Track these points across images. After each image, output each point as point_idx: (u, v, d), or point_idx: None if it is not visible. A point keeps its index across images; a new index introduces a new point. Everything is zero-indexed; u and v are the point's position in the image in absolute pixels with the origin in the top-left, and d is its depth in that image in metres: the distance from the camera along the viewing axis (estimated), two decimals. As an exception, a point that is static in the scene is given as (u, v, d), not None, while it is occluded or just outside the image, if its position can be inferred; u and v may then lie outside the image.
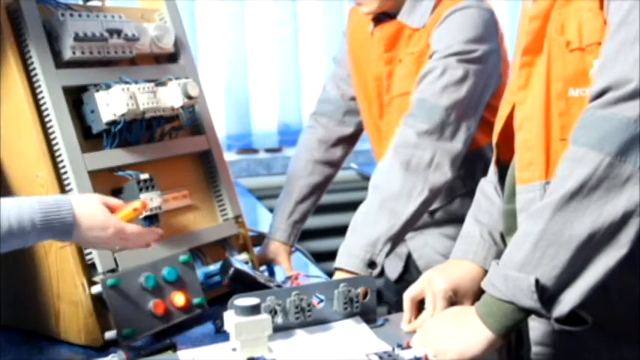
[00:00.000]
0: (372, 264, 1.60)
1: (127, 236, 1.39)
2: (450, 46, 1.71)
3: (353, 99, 2.06)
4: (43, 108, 1.52)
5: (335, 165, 2.10)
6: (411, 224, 1.68)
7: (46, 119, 1.52)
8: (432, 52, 1.74)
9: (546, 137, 1.25)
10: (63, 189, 1.51)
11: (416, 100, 1.72)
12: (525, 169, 1.28)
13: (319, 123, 2.09)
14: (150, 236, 1.45)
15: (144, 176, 1.58)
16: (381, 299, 1.88)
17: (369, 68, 1.93)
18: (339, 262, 1.63)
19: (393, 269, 2.05)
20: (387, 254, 1.63)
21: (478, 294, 1.34)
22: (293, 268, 1.97)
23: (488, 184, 1.49)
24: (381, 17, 1.86)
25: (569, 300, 1.12)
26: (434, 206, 1.86)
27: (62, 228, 1.30)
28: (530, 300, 1.13)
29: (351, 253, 1.62)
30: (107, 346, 1.45)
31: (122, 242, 1.39)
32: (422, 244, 1.97)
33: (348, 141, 2.11)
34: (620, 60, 1.09)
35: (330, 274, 1.67)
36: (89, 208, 1.34)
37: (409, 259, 2.01)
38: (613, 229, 1.08)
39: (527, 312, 1.16)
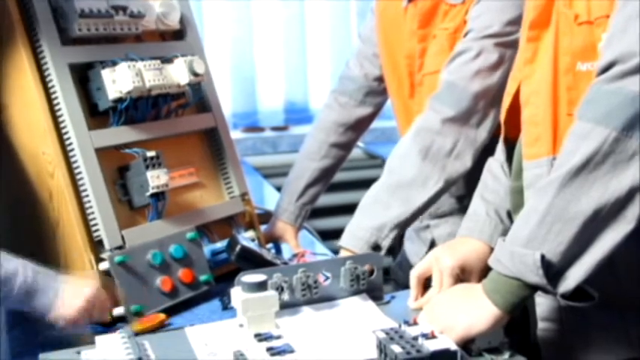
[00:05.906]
0: (376, 247, 1.59)
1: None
2: (489, 27, 1.60)
3: (376, 79, 1.99)
4: (49, 85, 1.52)
5: (349, 147, 2.06)
6: (422, 212, 1.65)
7: (53, 96, 1.52)
8: (468, 30, 1.64)
9: (554, 112, 1.25)
10: (70, 166, 1.51)
11: (445, 82, 1.64)
12: (532, 145, 1.28)
13: (338, 103, 2.03)
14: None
15: (150, 154, 1.58)
16: (387, 278, 1.88)
17: (400, 46, 1.82)
18: (344, 241, 1.62)
19: (416, 253, 2.00)
20: (393, 239, 1.61)
21: (485, 271, 1.34)
22: (300, 245, 1.97)
23: (495, 162, 1.49)
24: None
25: (575, 276, 1.12)
26: (462, 192, 1.82)
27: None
28: (536, 276, 1.13)
29: (356, 234, 1.61)
30: (115, 322, 1.46)
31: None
32: (447, 233, 1.90)
33: (365, 122, 2.06)
34: (627, 34, 1.08)
35: (336, 252, 1.67)
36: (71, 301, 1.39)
37: (432, 245, 1.94)
38: (619, 204, 1.08)
39: (534, 288, 1.16)
